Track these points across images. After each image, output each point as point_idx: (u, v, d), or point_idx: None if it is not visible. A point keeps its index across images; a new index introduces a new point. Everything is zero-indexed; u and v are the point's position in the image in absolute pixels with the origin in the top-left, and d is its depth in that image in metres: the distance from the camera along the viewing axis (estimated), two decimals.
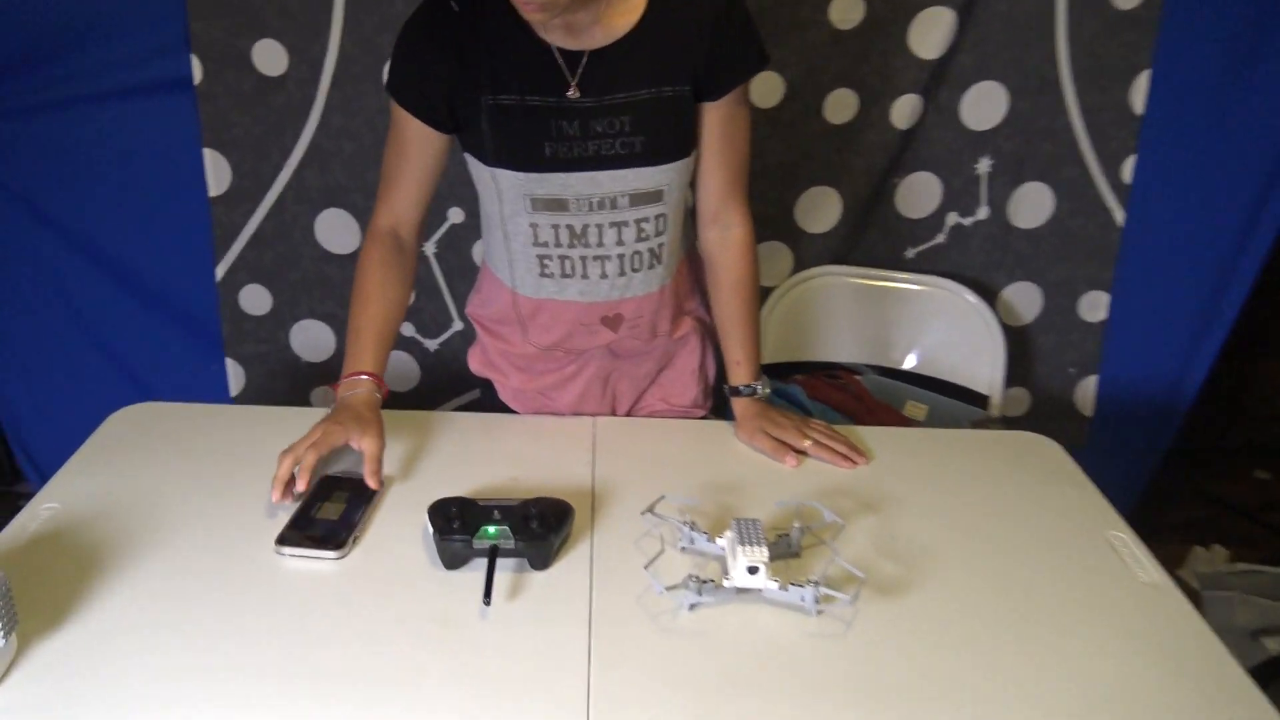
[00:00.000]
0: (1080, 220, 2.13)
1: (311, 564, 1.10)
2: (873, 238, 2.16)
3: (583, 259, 1.35)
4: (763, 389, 1.43)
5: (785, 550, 1.16)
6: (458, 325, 2.20)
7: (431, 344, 2.22)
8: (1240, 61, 1.98)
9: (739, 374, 1.44)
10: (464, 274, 2.15)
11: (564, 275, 1.37)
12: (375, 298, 1.35)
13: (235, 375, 2.21)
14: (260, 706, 0.89)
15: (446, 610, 1.04)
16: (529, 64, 1.23)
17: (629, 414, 1.55)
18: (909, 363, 2.13)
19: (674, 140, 1.30)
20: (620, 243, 1.34)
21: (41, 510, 1.17)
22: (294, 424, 1.28)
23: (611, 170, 1.28)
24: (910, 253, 2.18)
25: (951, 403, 2.03)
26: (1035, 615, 1.06)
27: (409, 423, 1.41)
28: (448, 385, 2.23)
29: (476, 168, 1.32)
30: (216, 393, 2.20)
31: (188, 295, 2.14)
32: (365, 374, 1.30)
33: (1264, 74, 1.97)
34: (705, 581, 1.07)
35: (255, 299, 2.15)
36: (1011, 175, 2.10)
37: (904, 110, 2.03)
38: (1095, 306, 2.19)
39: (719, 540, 1.14)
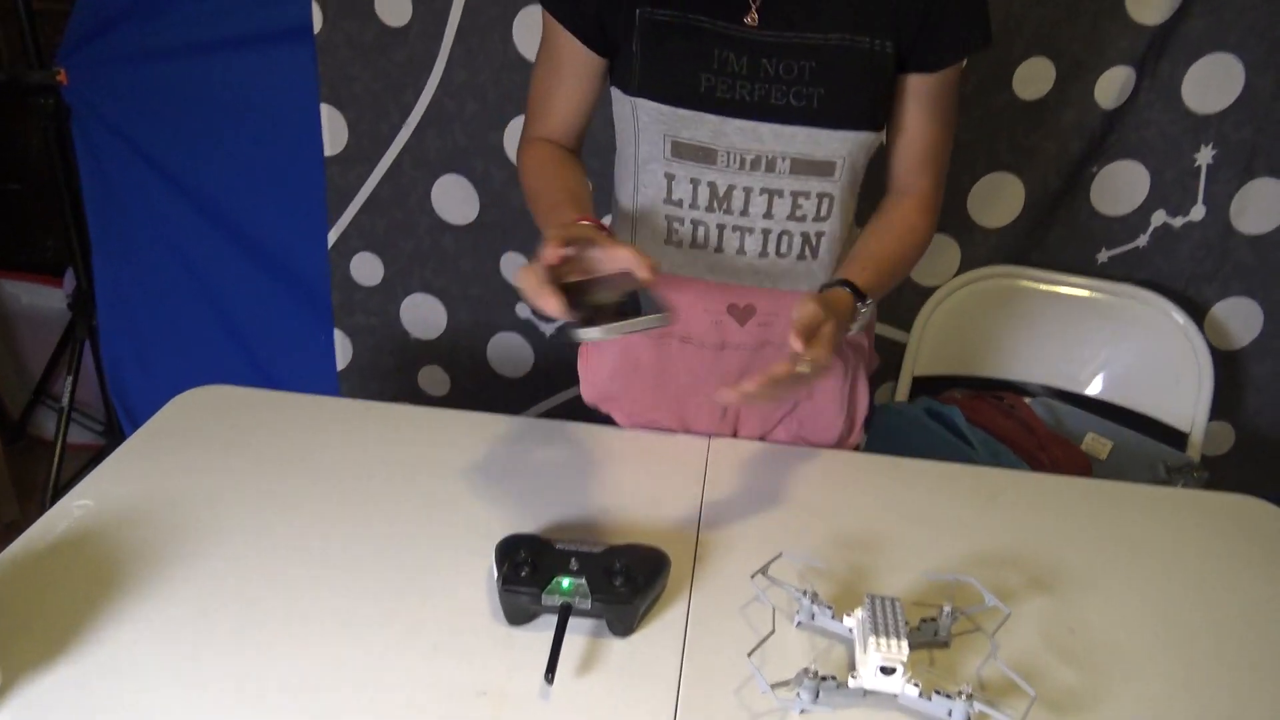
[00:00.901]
0: None
1: (354, 606, 0.93)
2: (1058, 236, 1.85)
3: (720, 228, 1.12)
4: (864, 309, 1.06)
5: (930, 638, 0.92)
6: None
7: (548, 327, 2.04)
8: None
9: (850, 270, 1.09)
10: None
11: (694, 245, 1.15)
12: (555, 173, 1.13)
13: (343, 347, 2.09)
14: None
15: (501, 681, 0.85)
16: None
17: None
18: (1093, 388, 1.82)
19: (861, 102, 1.05)
20: (769, 215, 1.11)
21: (74, 508, 1.04)
22: (377, 422, 1.11)
23: (778, 124, 1.05)
24: (1103, 256, 1.85)
25: (1141, 439, 1.72)
26: None
27: (486, 428, 1.23)
28: (561, 376, 2.06)
29: (619, 102, 1.12)
30: (323, 364, 2.09)
31: (299, 260, 2.02)
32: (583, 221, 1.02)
33: None
34: (825, 679, 0.85)
35: (367, 268, 2.02)
36: (1239, 169, 1.75)
37: (1112, 86, 1.71)
38: None
39: (846, 619, 0.91)
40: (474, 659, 0.87)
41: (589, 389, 1.32)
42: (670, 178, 1.11)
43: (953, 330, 1.84)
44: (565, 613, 0.89)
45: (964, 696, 0.82)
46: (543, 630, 0.90)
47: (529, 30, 1.78)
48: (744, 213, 1.11)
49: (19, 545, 0.98)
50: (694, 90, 1.04)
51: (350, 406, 1.27)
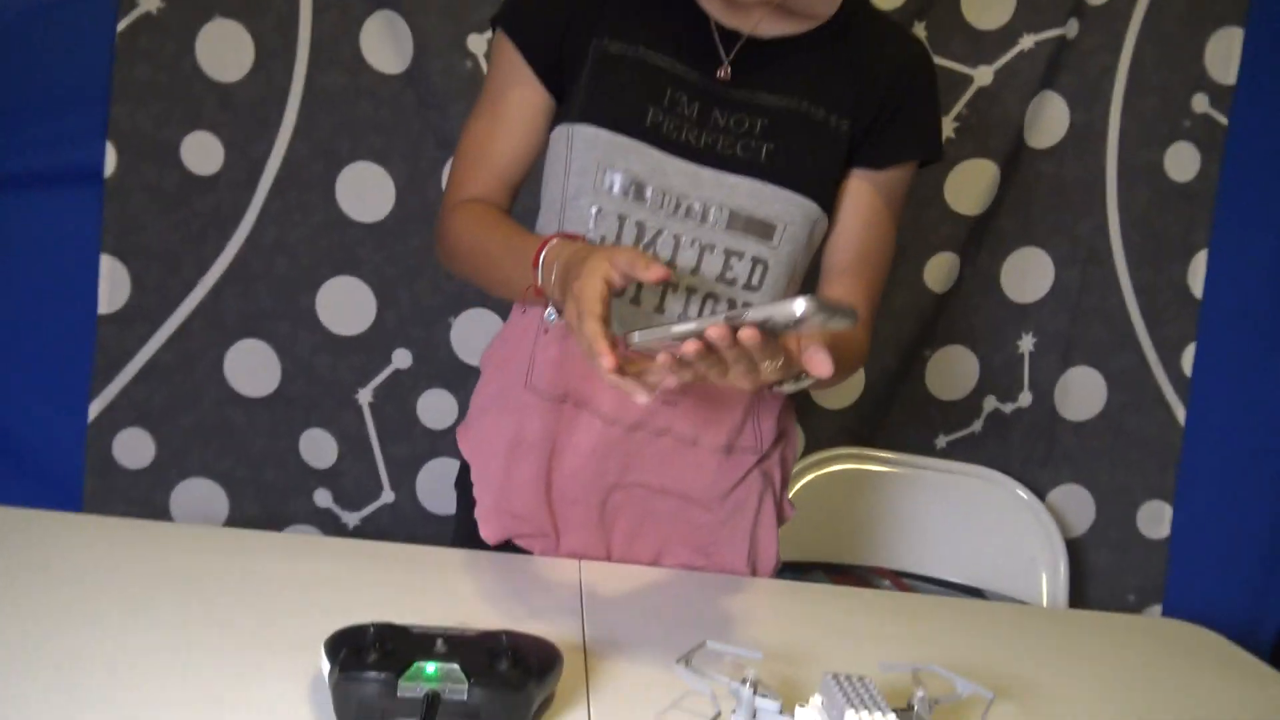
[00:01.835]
0: (1136, 415, 1.82)
1: None
2: (898, 419, 1.83)
3: None
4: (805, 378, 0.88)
5: None
6: (388, 497, 1.76)
7: (351, 518, 1.76)
8: None
9: None
10: (404, 433, 1.75)
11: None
12: (499, 220, 1.01)
13: None
14: None
15: None
16: (673, 25, 0.99)
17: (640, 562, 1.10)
18: (949, 571, 1.73)
19: (809, 168, 0.99)
20: (697, 271, 0.98)
21: None
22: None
23: (720, 172, 0.97)
24: (941, 441, 1.83)
25: None
26: None
27: (315, 550, 0.97)
28: None
29: (555, 141, 1.01)
30: None
31: (44, 436, 1.69)
32: (550, 242, 0.89)
33: None
34: None
35: (134, 447, 1.70)
36: (1058, 356, 1.81)
37: (939, 270, 1.77)
38: (1157, 520, 1.84)
39: (800, 710, 0.70)
40: None
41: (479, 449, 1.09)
42: (598, 212, 0.98)
43: (805, 515, 1.72)
44: (432, 705, 0.64)
45: None
46: None
47: (354, 187, 1.67)
48: (669, 263, 0.98)
49: None
50: (638, 120, 0.96)
51: (105, 524, 0.97)
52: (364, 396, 1.73)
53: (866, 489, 1.75)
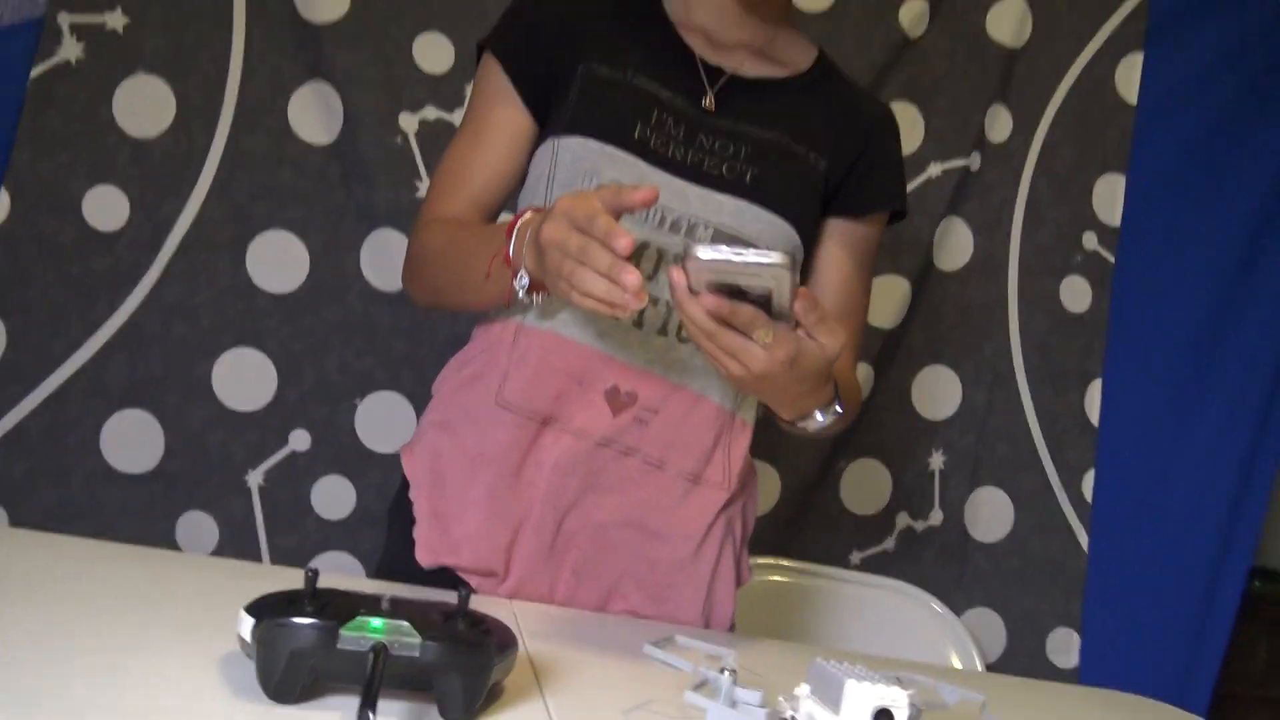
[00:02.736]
0: (1042, 539, 1.83)
1: None
2: (812, 531, 1.79)
3: None
4: (833, 410, 0.92)
5: None
6: None
7: None
8: (1196, 374, 1.86)
9: None
10: (295, 523, 1.61)
11: None
12: (471, 226, 1.00)
13: None
14: None
15: None
16: (660, 57, 1.01)
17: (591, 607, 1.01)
18: None
19: (791, 194, 1.00)
20: None
21: None
22: None
23: (706, 190, 0.97)
24: (855, 558, 1.80)
25: None
26: None
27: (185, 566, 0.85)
28: None
29: (538, 160, 1.00)
30: None
31: None
32: (524, 214, 0.87)
33: (1221, 385, 1.85)
34: None
35: None
36: (967, 475, 1.83)
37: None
38: (1066, 648, 1.82)
39: (785, 703, 0.63)
40: None
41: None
42: None
43: None
44: (379, 659, 0.54)
45: None
46: (325, 710, 0.54)
47: (267, 255, 1.60)
48: (651, 277, 0.96)
49: None
50: (627, 134, 0.96)
51: None
52: (254, 479, 1.60)
53: (783, 600, 1.69)
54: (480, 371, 1.00)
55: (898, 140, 1.10)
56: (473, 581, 0.97)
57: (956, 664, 1.65)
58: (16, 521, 1.53)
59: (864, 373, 1.78)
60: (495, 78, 1.02)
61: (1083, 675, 1.81)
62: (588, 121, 0.96)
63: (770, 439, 1.74)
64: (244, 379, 1.60)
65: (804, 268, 1.07)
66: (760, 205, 0.98)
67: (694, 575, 1.01)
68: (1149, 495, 1.85)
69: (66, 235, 1.55)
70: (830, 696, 0.59)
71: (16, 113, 1.53)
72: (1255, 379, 1.84)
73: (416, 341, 1.64)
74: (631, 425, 0.97)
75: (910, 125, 1.81)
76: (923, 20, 1.81)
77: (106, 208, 1.56)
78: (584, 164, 0.95)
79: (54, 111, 1.54)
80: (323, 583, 0.58)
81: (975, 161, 1.83)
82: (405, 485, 1.02)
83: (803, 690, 0.63)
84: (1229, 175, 1.88)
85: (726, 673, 0.63)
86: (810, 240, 1.04)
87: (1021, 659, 1.81)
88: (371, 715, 0.49)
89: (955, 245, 1.84)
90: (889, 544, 1.81)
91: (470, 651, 0.57)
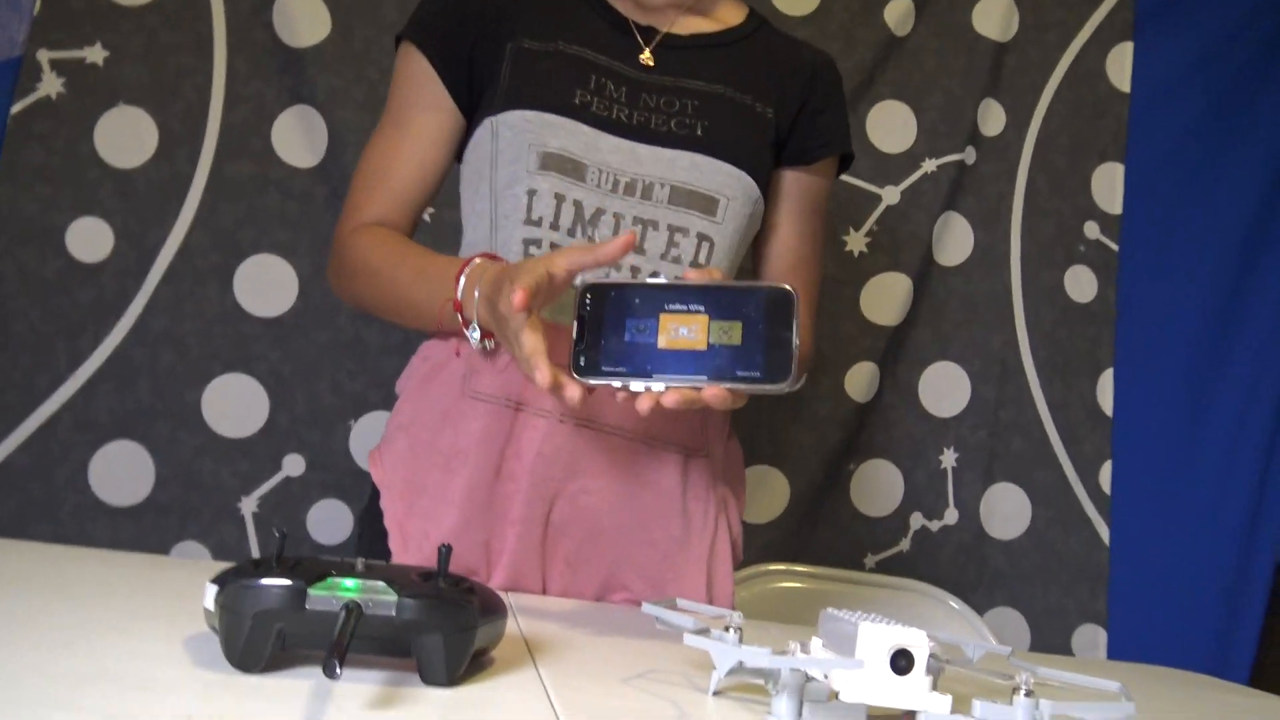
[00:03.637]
0: (1061, 533, 1.78)
1: None
2: (825, 536, 1.74)
3: None
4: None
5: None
6: None
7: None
8: (1208, 359, 1.82)
9: None
10: (291, 549, 1.56)
11: None
12: (404, 242, 0.98)
13: None
14: None
15: None
16: (589, 24, 0.98)
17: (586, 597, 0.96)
18: None
19: (742, 144, 0.98)
20: (640, 250, 0.92)
21: None
22: None
23: (657, 147, 0.94)
24: (870, 561, 1.75)
25: None
26: None
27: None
28: None
29: (476, 145, 0.97)
30: None
31: None
32: (474, 260, 0.86)
33: (1236, 367, 1.81)
34: (811, 680, 0.51)
35: None
36: (980, 472, 1.78)
37: (860, 380, 1.74)
38: (1092, 645, 1.76)
39: (800, 655, 0.58)
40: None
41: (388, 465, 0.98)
42: (532, 194, 0.92)
43: None
44: (352, 617, 0.50)
45: (1023, 692, 0.52)
46: (297, 678, 0.50)
47: (254, 280, 1.58)
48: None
49: None
50: (567, 101, 0.93)
51: None
52: (248, 506, 1.56)
53: (796, 604, 1.63)
54: (445, 361, 0.96)
55: (840, 86, 1.08)
56: None
57: None
58: None
59: (869, 372, 1.74)
60: (417, 69, 0.98)
61: None
62: (525, 94, 0.93)
63: (776, 445, 1.71)
64: (235, 405, 1.57)
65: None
66: (716, 157, 0.95)
67: (693, 554, 0.96)
68: (1169, 484, 1.80)
69: (50, 268, 1.53)
70: (844, 646, 0.55)
71: None
72: (1270, 358, 1.80)
73: (408, 360, 1.61)
74: (607, 401, 0.91)
75: (902, 123, 1.80)
76: (909, 18, 1.80)
77: (90, 239, 1.54)
78: (526, 136, 0.92)
79: (35, 146, 1.53)
80: None
81: (970, 156, 1.80)
82: (376, 493, 0.97)
83: (814, 644, 0.58)
84: (1228, 157, 1.86)
85: (732, 630, 0.59)
86: (768, 186, 1.02)
87: None
88: (338, 667, 0.45)
89: (955, 240, 1.81)
90: (904, 545, 1.76)
91: (451, 609, 0.53)
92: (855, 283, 1.76)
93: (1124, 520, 1.79)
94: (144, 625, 0.58)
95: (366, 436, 1.60)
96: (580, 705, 0.54)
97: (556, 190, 0.91)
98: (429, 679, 0.52)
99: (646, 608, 0.61)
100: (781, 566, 1.66)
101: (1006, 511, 1.78)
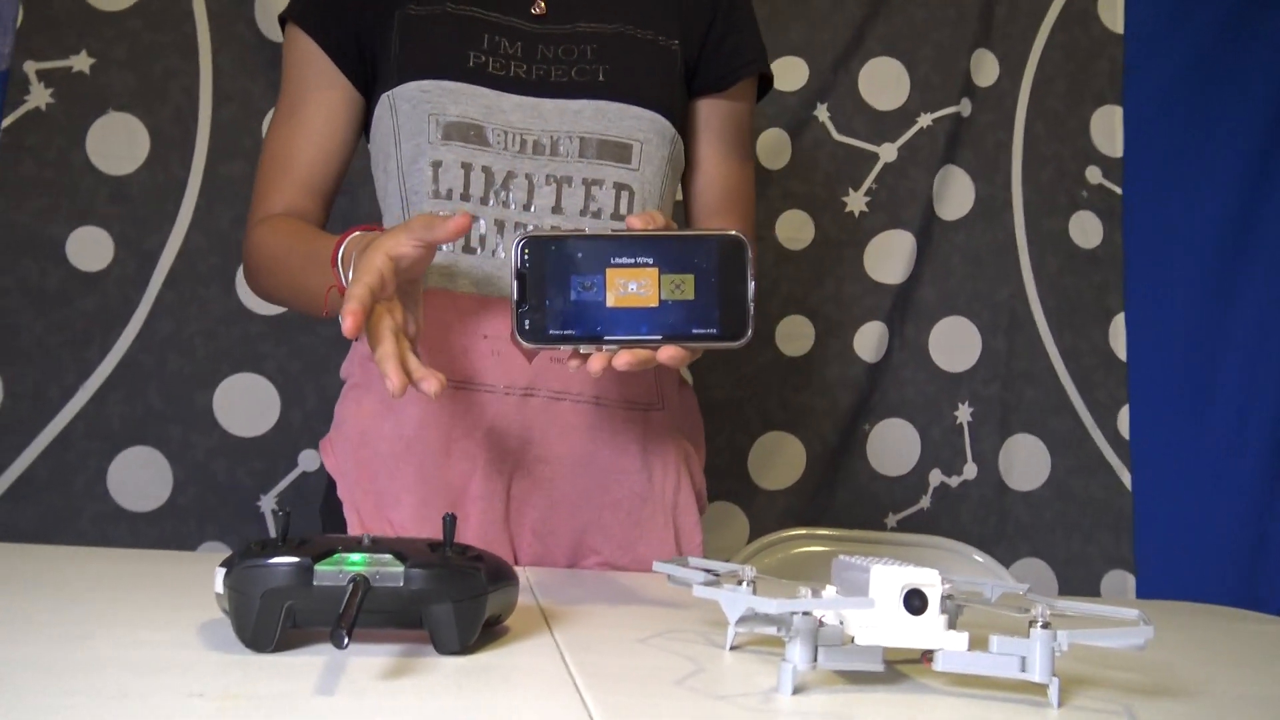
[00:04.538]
0: (1082, 481, 1.77)
1: None
2: (845, 499, 1.73)
3: (499, 225, 0.90)
4: None
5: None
6: None
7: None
8: (1220, 297, 1.80)
9: None
10: None
11: (466, 249, 0.90)
12: (304, 228, 0.94)
13: None
14: None
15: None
16: None
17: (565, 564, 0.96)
18: None
19: (649, 83, 0.95)
20: (559, 208, 0.91)
21: None
22: None
23: (560, 100, 0.92)
24: (891, 520, 1.74)
25: None
26: None
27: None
28: None
29: (379, 121, 0.95)
30: None
31: None
32: (350, 235, 0.81)
33: (1247, 303, 1.79)
34: (824, 625, 0.51)
35: None
36: (997, 425, 1.77)
37: (869, 340, 1.73)
38: (1121, 591, 1.75)
39: (813, 599, 0.58)
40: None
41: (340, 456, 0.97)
42: (437, 165, 0.91)
43: None
44: (358, 589, 0.50)
45: (1040, 624, 0.51)
46: (308, 655, 0.50)
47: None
48: (527, 206, 0.91)
49: None
50: (461, 65, 0.91)
51: None
52: (267, 504, 1.57)
53: (819, 568, 1.63)
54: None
55: (749, 5, 1.04)
56: None
57: None
58: None
59: (878, 331, 1.73)
60: (305, 51, 0.96)
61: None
62: (417, 64, 0.92)
63: (789, 410, 1.70)
64: (246, 405, 1.57)
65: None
66: (622, 101, 0.93)
67: (657, 509, 0.95)
68: (1189, 425, 1.79)
69: (51, 280, 1.53)
70: (858, 592, 0.55)
71: None
72: None
73: None
74: (550, 366, 0.90)
75: (895, 79, 1.78)
76: None
77: (90, 248, 1.54)
78: (424, 108, 0.91)
79: (28, 158, 1.52)
80: None
81: (966, 108, 1.78)
82: (332, 484, 0.96)
83: (828, 591, 0.58)
84: (1228, 92, 1.83)
85: (744, 584, 0.59)
86: (682, 129, 0.99)
87: None
88: (346, 637, 0.44)
89: (955, 194, 1.79)
90: (924, 503, 1.75)
91: (459, 577, 0.52)
92: (857, 243, 1.75)
93: (1145, 464, 1.78)
94: (159, 614, 0.58)
95: None
96: (596, 666, 0.53)
97: (462, 159, 0.90)
98: (442, 648, 0.52)
99: (658, 565, 0.60)
100: (802, 531, 1.66)
101: (1025, 463, 1.77)
